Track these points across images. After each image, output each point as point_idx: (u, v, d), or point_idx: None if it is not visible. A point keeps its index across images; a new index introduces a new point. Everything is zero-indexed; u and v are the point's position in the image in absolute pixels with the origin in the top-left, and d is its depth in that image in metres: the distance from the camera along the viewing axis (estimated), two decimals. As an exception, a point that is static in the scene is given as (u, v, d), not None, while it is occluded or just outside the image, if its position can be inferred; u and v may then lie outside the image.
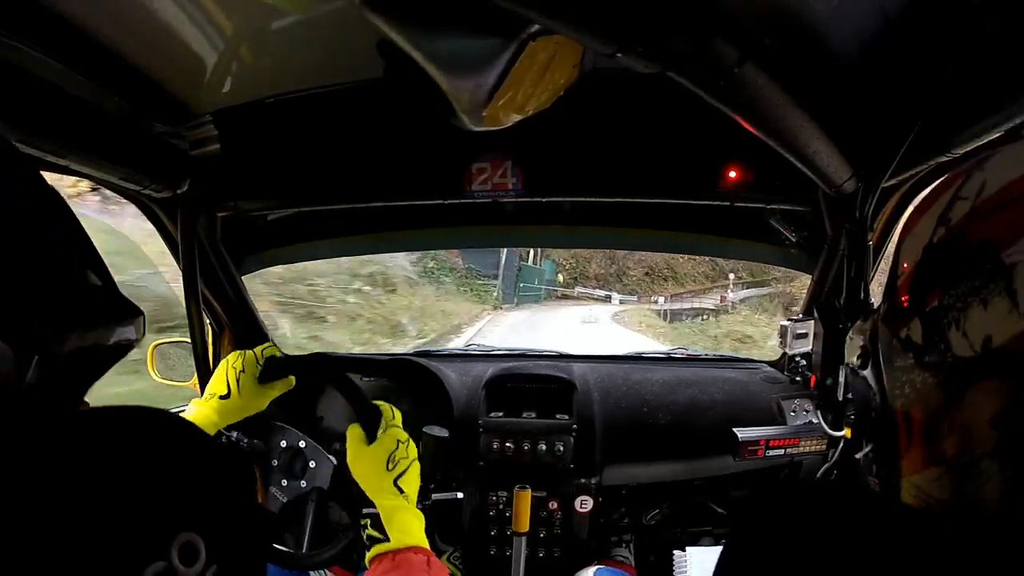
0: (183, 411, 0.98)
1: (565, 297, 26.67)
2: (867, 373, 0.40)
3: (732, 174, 1.18)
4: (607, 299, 26.27)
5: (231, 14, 0.80)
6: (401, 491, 0.85)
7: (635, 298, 26.96)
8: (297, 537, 1.05)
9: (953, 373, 0.31)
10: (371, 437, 0.87)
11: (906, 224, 0.38)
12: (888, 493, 0.37)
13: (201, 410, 0.94)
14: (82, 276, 0.43)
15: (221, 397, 0.96)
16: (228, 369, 0.97)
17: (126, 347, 0.45)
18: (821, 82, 0.73)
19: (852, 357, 0.43)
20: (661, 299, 25.90)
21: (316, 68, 0.98)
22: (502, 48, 0.64)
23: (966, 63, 0.68)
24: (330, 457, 1.08)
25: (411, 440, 0.89)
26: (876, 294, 1.12)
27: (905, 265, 0.36)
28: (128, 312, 0.46)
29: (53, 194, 0.43)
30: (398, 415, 0.92)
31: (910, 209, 0.39)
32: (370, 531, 0.87)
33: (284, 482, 1.09)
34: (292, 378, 1.00)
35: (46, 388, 0.40)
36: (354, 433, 0.89)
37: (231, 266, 1.43)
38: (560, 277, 27.60)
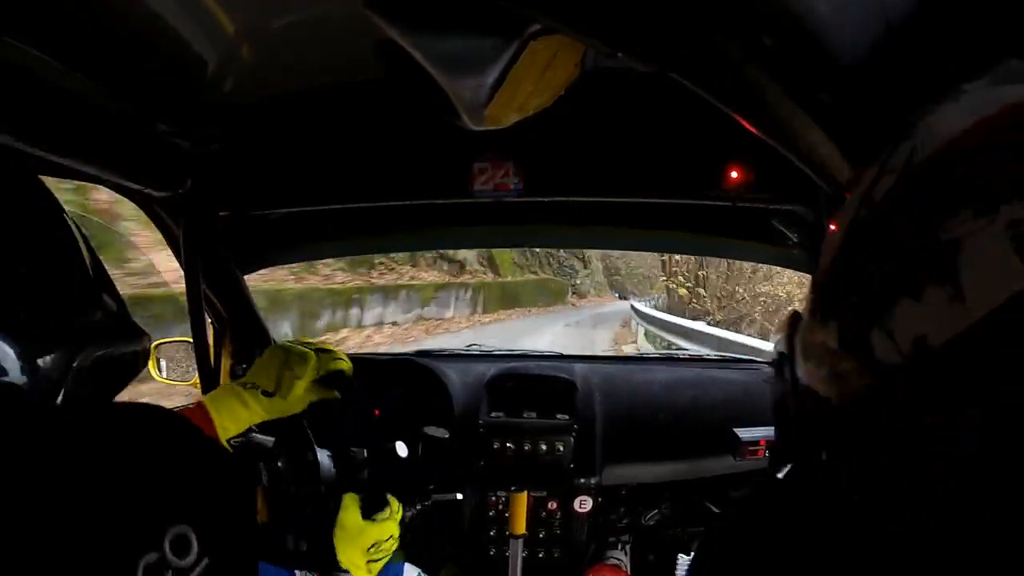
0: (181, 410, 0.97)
1: None
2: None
3: (733, 174, 1.18)
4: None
5: (232, 14, 0.80)
6: (368, 573, 0.91)
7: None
8: (297, 537, 1.05)
9: (878, 381, 0.25)
10: (367, 514, 0.93)
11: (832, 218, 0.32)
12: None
13: (233, 396, 0.88)
14: (99, 301, 0.47)
15: (264, 392, 0.89)
16: (282, 368, 0.92)
17: (140, 364, 0.51)
18: (823, 82, 0.73)
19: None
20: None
21: (317, 68, 0.98)
22: (503, 48, 0.64)
23: (966, 63, 0.68)
24: (331, 459, 1.08)
25: (395, 539, 0.95)
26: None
27: (823, 263, 0.30)
28: (137, 334, 0.50)
29: (71, 233, 0.47)
30: (399, 512, 0.96)
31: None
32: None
33: (286, 482, 1.09)
34: (336, 394, 0.97)
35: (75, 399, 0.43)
36: (352, 502, 0.93)
37: (232, 266, 1.43)
38: None
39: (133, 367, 0.50)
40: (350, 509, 0.92)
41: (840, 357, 0.26)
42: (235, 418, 0.87)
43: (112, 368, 0.47)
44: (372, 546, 0.91)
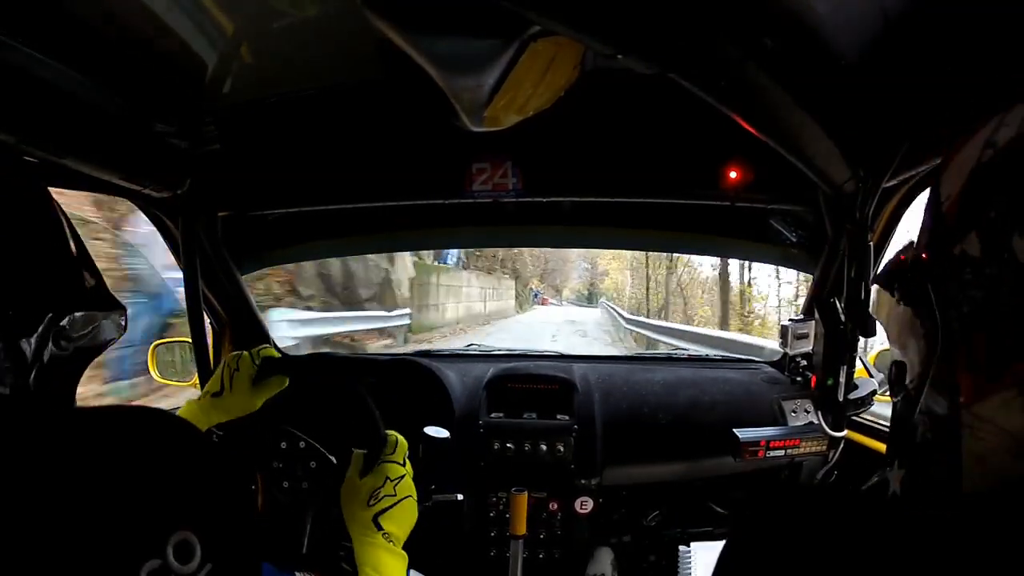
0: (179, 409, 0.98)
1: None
2: (904, 309, 0.38)
3: (732, 174, 1.18)
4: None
5: (231, 14, 0.80)
6: (379, 528, 0.79)
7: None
8: (297, 538, 1.05)
9: (1020, 281, 0.30)
10: (367, 468, 0.85)
11: (944, 162, 0.37)
12: (946, 424, 0.35)
13: (191, 407, 0.94)
14: (79, 276, 0.49)
15: (213, 395, 0.95)
16: (224, 368, 0.97)
17: (114, 338, 0.53)
18: (821, 82, 0.73)
19: (888, 291, 0.40)
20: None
21: (316, 68, 0.98)
22: (503, 49, 0.64)
23: (966, 62, 0.68)
24: (331, 459, 1.08)
25: (407, 478, 0.86)
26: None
27: (949, 194, 0.35)
28: (116, 306, 0.53)
29: (54, 206, 0.49)
30: (402, 448, 0.88)
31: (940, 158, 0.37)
32: (344, 565, 0.82)
33: (285, 483, 1.09)
34: (285, 379, 0.99)
35: (48, 375, 0.44)
36: (356, 458, 0.86)
37: (232, 266, 1.43)
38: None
39: (111, 340, 0.53)
40: (352, 465, 0.86)
41: (985, 263, 0.32)
42: (196, 424, 0.91)
43: (89, 337, 0.50)
44: (370, 497, 0.81)
